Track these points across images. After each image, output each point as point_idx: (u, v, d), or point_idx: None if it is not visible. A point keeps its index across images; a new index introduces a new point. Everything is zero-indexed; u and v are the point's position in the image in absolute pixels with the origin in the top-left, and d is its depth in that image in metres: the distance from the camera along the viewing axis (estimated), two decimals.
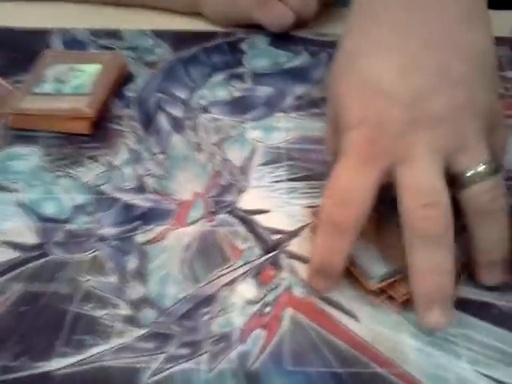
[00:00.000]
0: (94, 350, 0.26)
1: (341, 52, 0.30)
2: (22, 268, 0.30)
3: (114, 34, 0.48)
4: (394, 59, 0.28)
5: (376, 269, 0.28)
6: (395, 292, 0.28)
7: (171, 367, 0.26)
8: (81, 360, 0.26)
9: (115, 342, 0.26)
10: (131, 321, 0.27)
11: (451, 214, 0.26)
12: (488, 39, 0.29)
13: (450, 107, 0.27)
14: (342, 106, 0.28)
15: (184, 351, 0.26)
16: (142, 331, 0.27)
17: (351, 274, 0.29)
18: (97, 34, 0.48)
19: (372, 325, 0.27)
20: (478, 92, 0.27)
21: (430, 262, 0.26)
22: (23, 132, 0.38)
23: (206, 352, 0.26)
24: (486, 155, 0.27)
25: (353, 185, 0.27)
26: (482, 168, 0.26)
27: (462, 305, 0.28)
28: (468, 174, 0.26)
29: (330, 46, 0.46)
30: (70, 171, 0.35)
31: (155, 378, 0.25)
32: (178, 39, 0.47)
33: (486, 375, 0.25)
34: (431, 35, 0.28)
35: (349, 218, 0.26)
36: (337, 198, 0.27)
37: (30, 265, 0.30)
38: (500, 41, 0.46)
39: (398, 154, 0.26)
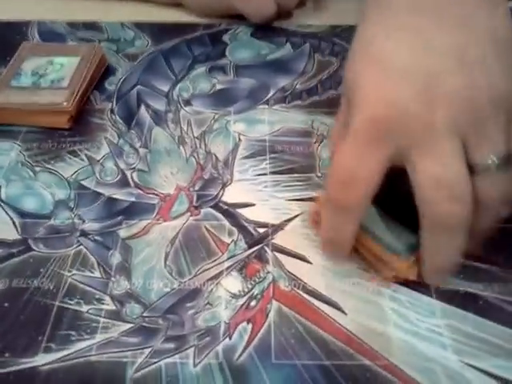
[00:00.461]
0: (80, 345, 0.26)
1: (357, 37, 0.29)
2: (5, 264, 0.29)
3: (92, 26, 0.47)
4: (409, 40, 0.27)
5: (402, 242, 0.28)
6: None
7: (157, 361, 0.26)
8: (66, 355, 0.26)
9: (100, 337, 0.26)
10: (116, 315, 0.27)
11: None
12: (507, 26, 0.27)
13: (467, 87, 0.25)
14: (356, 86, 0.27)
15: (170, 345, 0.26)
16: (128, 326, 0.27)
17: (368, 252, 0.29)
18: (75, 25, 0.47)
19: (358, 317, 0.28)
20: (496, 78, 0.25)
21: (449, 246, 0.26)
22: (2, 126, 0.38)
23: (191, 346, 0.26)
24: (504, 147, 0.25)
25: (359, 164, 0.25)
26: (496, 159, 0.25)
27: (448, 296, 0.28)
28: (483, 163, 0.25)
29: (313, 37, 0.46)
30: (50, 166, 0.35)
31: (141, 372, 0.25)
32: (158, 31, 0.47)
33: (471, 365, 0.26)
34: (448, 19, 0.27)
35: (352, 197, 0.26)
36: (341, 177, 0.26)
37: (13, 260, 0.30)
38: None
39: (413, 135, 0.25)
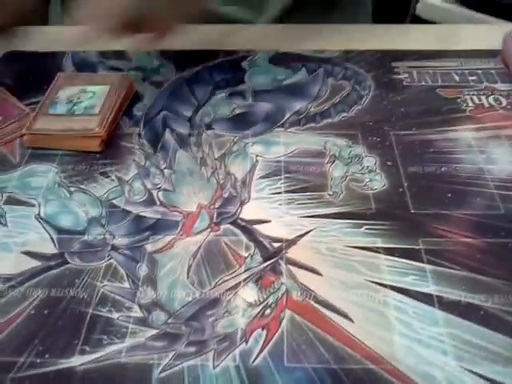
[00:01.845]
0: (111, 348, 0.29)
1: None
2: (44, 275, 0.32)
3: (121, 55, 0.50)
4: None
5: None
6: None
7: (180, 363, 0.28)
8: (99, 357, 0.28)
9: (129, 341, 0.29)
10: (143, 322, 0.30)
11: None
12: None
13: None
14: None
15: (191, 349, 0.29)
16: (154, 331, 0.30)
17: None
18: (105, 55, 0.50)
19: (365, 325, 0.30)
20: None
21: None
22: (40, 151, 0.41)
23: (211, 350, 0.29)
24: None
25: None
26: None
27: (451, 306, 0.30)
28: None
29: (327, 62, 0.48)
30: (84, 187, 0.38)
31: (165, 373, 0.28)
32: (181, 59, 0.50)
33: (471, 371, 0.28)
34: None
35: None
36: None
37: (51, 272, 0.33)
38: (492, 53, 0.49)
39: None
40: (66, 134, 0.40)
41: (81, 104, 0.42)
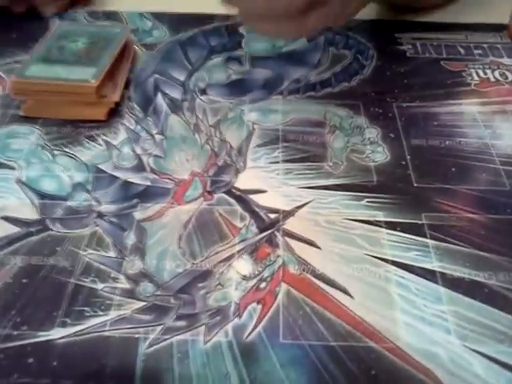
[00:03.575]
0: (94, 321, 0.27)
1: None
2: (23, 242, 0.30)
3: (112, 16, 0.48)
4: None
5: None
6: None
7: (168, 338, 0.26)
8: (81, 330, 0.27)
9: (114, 314, 0.27)
10: (130, 293, 0.28)
11: None
12: None
13: None
14: None
15: (181, 323, 0.27)
16: (141, 304, 0.28)
17: None
18: (95, 15, 0.48)
19: (365, 302, 0.28)
20: None
21: None
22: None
23: (202, 324, 0.27)
24: None
25: None
26: None
27: (454, 284, 0.29)
28: None
29: (328, 30, 0.46)
30: (69, 150, 0.36)
31: (153, 348, 0.26)
32: (176, 21, 0.47)
33: (474, 350, 0.26)
34: None
35: None
36: None
37: (31, 239, 0.30)
38: (499, 27, 0.47)
39: None
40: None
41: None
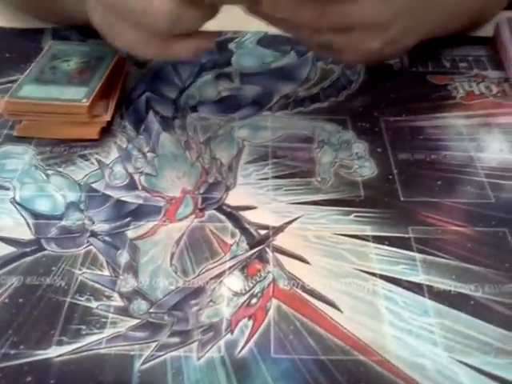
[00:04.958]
0: (90, 339, 0.27)
1: None
2: (19, 262, 0.31)
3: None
4: None
5: None
6: None
7: (162, 355, 0.27)
8: (77, 348, 0.27)
9: (109, 332, 0.28)
10: (124, 311, 0.29)
11: None
12: None
13: None
14: None
15: (175, 340, 0.28)
16: (135, 321, 0.28)
17: None
18: (87, 33, 0.48)
19: (354, 315, 0.29)
20: None
21: None
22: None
23: (195, 341, 0.27)
24: None
25: None
26: None
27: (441, 296, 0.29)
28: None
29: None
30: (62, 170, 0.36)
31: (148, 364, 0.26)
32: None
33: (461, 361, 0.27)
34: None
35: None
36: None
37: (26, 259, 0.31)
38: (483, 40, 0.48)
39: None
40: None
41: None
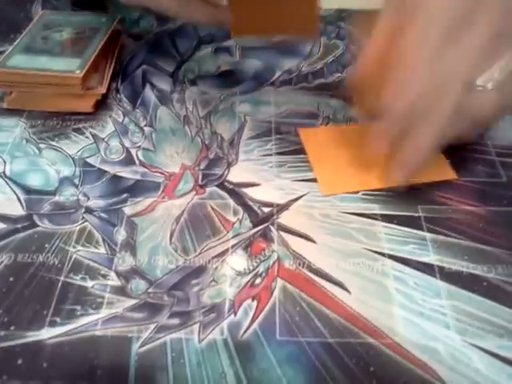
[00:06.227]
0: (85, 320, 0.26)
1: None
2: (10, 239, 0.29)
3: (98, 5, 0.46)
4: None
5: None
6: None
7: (162, 337, 0.26)
8: (71, 329, 0.26)
9: (105, 312, 0.26)
10: (121, 291, 0.27)
11: None
12: None
13: None
14: None
15: (175, 321, 0.26)
16: (133, 301, 0.27)
17: None
18: (79, 4, 0.46)
19: (362, 297, 0.28)
20: None
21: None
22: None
23: (196, 322, 0.26)
24: None
25: None
26: None
27: (453, 277, 0.28)
28: None
29: (320, 20, 0.45)
30: (55, 143, 0.35)
31: (146, 347, 0.25)
32: None
33: (474, 345, 0.26)
34: None
35: None
36: None
37: (18, 235, 0.29)
38: None
39: None
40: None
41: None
